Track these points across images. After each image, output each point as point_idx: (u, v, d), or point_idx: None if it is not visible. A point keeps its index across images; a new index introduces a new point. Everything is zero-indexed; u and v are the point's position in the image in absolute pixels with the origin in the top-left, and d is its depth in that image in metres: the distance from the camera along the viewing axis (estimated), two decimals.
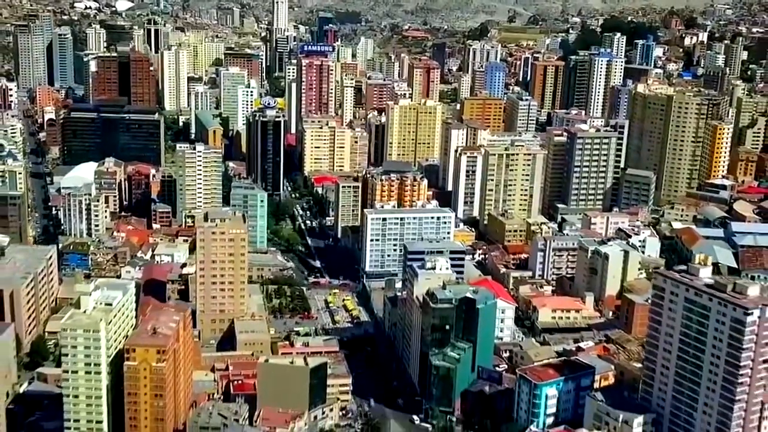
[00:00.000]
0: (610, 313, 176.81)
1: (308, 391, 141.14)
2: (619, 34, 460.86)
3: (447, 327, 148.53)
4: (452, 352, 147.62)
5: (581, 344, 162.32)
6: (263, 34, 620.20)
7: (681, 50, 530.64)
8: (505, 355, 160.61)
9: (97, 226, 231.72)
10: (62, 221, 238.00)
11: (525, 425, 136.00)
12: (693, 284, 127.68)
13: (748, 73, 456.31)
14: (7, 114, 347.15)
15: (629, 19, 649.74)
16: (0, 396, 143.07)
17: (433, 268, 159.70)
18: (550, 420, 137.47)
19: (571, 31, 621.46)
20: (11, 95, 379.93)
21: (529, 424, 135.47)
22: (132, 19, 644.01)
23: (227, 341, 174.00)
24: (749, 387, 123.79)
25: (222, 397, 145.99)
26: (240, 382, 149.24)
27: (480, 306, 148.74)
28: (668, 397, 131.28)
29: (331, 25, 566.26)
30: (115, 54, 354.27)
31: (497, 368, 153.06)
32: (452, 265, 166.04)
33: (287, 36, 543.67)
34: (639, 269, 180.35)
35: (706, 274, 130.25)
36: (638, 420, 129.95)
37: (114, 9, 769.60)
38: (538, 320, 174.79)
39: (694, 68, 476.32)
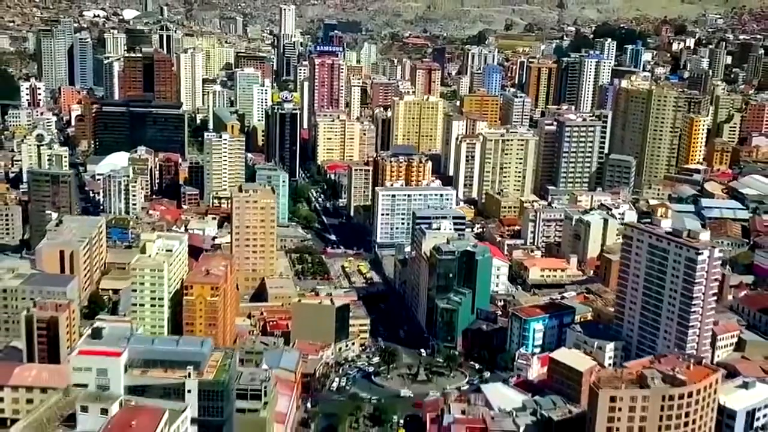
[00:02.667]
0: (591, 272, 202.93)
1: (334, 327, 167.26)
2: (609, 40, 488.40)
3: (450, 275, 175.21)
4: (455, 297, 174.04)
5: (565, 295, 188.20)
6: (270, 41, 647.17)
7: (669, 55, 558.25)
8: (500, 303, 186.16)
9: (134, 204, 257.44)
10: (101, 202, 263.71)
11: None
12: (655, 232, 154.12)
13: (732, 76, 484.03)
14: (38, 111, 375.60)
15: (620, 26, 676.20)
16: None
17: (438, 229, 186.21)
18: (537, 350, 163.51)
19: (565, 38, 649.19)
20: (39, 94, 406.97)
21: None
22: (145, 25, 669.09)
23: (258, 297, 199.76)
24: (701, 315, 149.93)
25: (260, 334, 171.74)
26: (274, 323, 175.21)
27: (478, 258, 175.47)
28: (635, 328, 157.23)
29: (336, 31, 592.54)
30: (139, 55, 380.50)
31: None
32: (454, 228, 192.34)
33: (294, 42, 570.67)
34: (617, 235, 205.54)
35: (666, 225, 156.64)
36: (610, 346, 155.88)
37: (121, 17, 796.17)
38: (528, 277, 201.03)
39: (680, 71, 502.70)
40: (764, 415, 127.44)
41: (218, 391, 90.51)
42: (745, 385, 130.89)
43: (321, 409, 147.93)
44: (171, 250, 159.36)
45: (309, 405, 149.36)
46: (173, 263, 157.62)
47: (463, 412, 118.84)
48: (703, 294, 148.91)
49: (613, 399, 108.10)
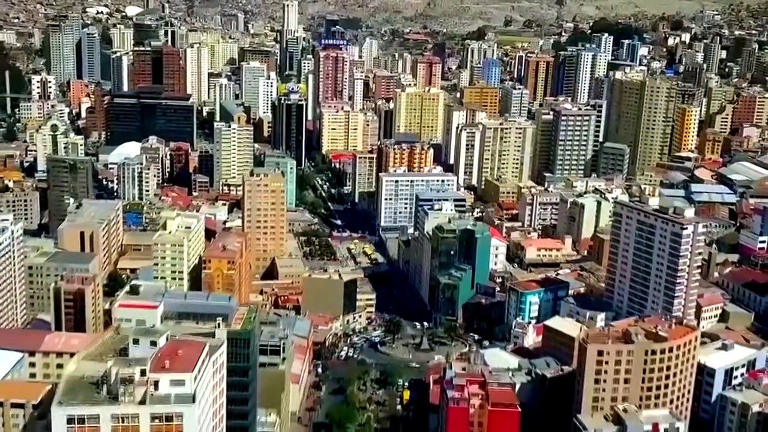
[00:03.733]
0: (585, 252, 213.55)
1: (342, 300, 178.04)
2: (606, 35, 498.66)
3: (451, 253, 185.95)
4: (456, 273, 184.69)
5: (560, 272, 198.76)
6: (273, 36, 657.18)
7: (665, 50, 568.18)
8: (499, 280, 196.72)
9: (147, 191, 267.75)
10: (115, 189, 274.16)
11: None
12: (643, 209, 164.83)
13: (726, 70, 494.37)
14: (48, 104, 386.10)
15: (618, 22, 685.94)
16: None
17: (440, 210, 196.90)
18: (533, 321, 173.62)
19: (563, 34, 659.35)
20: (50, 87, 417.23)
21: None
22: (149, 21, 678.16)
23: (269, 276, 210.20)
24: (686, 287, 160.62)
25: (273, 307, 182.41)
26: (285, 297, 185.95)
27: (478, 236, 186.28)
28: (625, 299, 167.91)
29: (338, 26, 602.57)
30: (149, 48, 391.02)
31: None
32: (455, 209, 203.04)
33: (297, 37, 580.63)
34: (610, 217, 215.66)
35: (653, 203, 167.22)
36: (601, 316, 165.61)
37: (124, 14, 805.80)
38: (525, 257, 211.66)
39: (676, 66, 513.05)
40: (741, 374, 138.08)
41: (244, 339, 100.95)
42: (724, 347, 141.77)
43: (331, 373, 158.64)
44: (190, 228, 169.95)
45: (320, 370, 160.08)
46: (192, 239, 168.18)
47: (463, 369, 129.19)
48: (688, 266, 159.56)
49: (600, 353, 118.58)
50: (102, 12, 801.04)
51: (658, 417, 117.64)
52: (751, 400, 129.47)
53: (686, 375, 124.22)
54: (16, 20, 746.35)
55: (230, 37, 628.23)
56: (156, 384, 74.18)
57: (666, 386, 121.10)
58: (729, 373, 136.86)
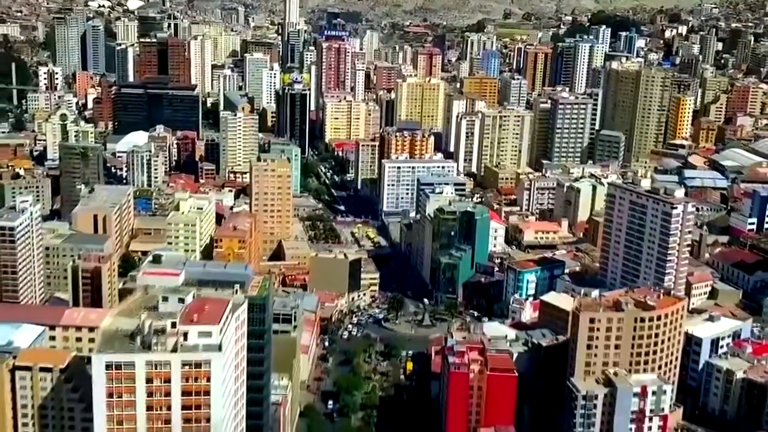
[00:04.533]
0: (581, 234, 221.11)
1: (347, 279, 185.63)
2: (604, 27, 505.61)
3: (452, 234, 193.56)
4: (456, 253, 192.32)
5: (556, 253, 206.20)
6: (275, 29, 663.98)
7: (662, 42, 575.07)
8: (497, 261, 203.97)
9: (155, 177, 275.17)
10: (124, 176, 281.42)
11: None
12: (635, 190, 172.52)
13: (722, 61, 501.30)
14: (55, 95, 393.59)
15: (616, 14, 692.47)
16: None
17: (441, 193, 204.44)
18: (530, 298, 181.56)
19: (562, 26, 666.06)
20: (57, 79, 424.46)
21: None
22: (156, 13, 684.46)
23: (275, 258, 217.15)
24: (676, 264, 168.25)
25: (281, 285, 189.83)
26: (293, 276, 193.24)
27: (477, 217, 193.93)
28: (618, 276, 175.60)
29: (339, 19, 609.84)
30: (155, 40, 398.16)
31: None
32: (455, 192, 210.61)
33: (299, 30, 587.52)
34: (605, 200, 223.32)
35: (645, 184, 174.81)
36: (595, 293, 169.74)
37: (126, 8, 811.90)
38: (523, 239, 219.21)
39: (672, 57, 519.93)
40: (727, 344, 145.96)
41: (260, 305, 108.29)
42: (711, 319, 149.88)
43: (337, 346, 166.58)
44: (201, 209, 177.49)
45: (327, 343, 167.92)
46: (204, 219, 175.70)
47: (463, 338, 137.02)
48: (678, 244, 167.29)
49: (592, 321, 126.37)
50: (104, 5, 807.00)
51: (647, 381, 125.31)
52: (736, 367, 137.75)
53: (674, 342, 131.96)
54: (19, 13, 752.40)
55: (232, 30, 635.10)
56: (185, 335, 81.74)
57: (654, 352, 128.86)
58: (715, 343, 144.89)
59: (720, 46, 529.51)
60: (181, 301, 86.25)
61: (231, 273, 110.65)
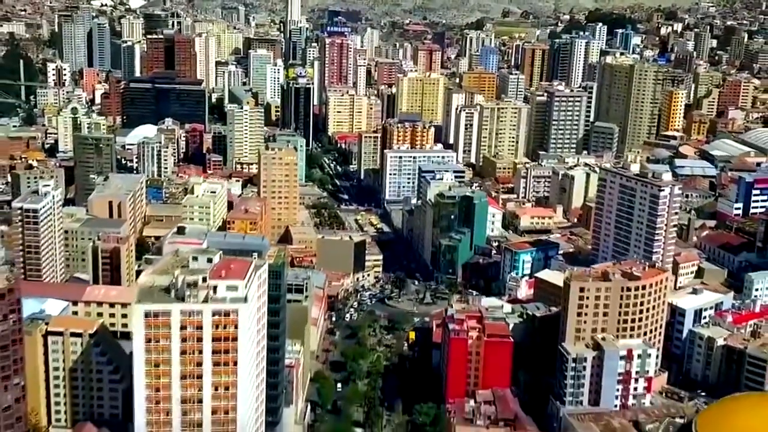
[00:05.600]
0: (575, 220, 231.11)
1: (353, 259, 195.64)
2: (600, 24, 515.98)
3: (452, 217, 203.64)
4: (456, 235, 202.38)
5: (551, 237, 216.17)
6: (277, 26, 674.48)
7: (657, 39, 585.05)
8: (495, 244, 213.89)
9: (165, 168, 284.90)
10: (135, 166, 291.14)
11: None
12: (625, 174, 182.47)
13: (716, 57, 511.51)
14: (64, 90, 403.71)
15: (613, 12, 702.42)
16: None
17: (441, 179, 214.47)
18: (525, 277, 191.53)
19: (560, 24, 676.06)
20: (65, 75, 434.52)
21: None
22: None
23: (282, 242, 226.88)
24: (663, 244, 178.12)
25: (289, 266, 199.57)
26: (300, 258, 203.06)
27: (476, 202, 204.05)
28: (609, 255, 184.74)
29: (340, 17, 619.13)
30: (161, 36, 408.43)
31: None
32: (455, 179, 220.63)
33: (301, 27, 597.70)
34: (597, 185, 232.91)
35: (635, 168, 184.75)
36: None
37: (128, 6, 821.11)
38: (520, 224, 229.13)
39: (668, 54, 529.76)
40: (709, 315, 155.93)
41: (277, 272, 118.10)
42: (694, 292, 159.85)
43: (343, 322, 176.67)
44: (215, 192, 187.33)
45: (334, 319, 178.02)
46: (217, 202, 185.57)
47: (463, 309, 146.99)
48: (665, 225, 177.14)
49: (582, 290, 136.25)
50: (106, 4, 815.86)
51: (633, 345, 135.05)
52: (717, 335, 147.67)
53: (658, 310, 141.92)
54: (22, 12, 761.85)
55: (234, 28, 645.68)
56: (215, 288, 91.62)
57: (640, 320, 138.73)
58: (698, 314, 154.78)
59: (714, 43, 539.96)
60: (210, 260, 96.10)
61: (249, 243, 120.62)
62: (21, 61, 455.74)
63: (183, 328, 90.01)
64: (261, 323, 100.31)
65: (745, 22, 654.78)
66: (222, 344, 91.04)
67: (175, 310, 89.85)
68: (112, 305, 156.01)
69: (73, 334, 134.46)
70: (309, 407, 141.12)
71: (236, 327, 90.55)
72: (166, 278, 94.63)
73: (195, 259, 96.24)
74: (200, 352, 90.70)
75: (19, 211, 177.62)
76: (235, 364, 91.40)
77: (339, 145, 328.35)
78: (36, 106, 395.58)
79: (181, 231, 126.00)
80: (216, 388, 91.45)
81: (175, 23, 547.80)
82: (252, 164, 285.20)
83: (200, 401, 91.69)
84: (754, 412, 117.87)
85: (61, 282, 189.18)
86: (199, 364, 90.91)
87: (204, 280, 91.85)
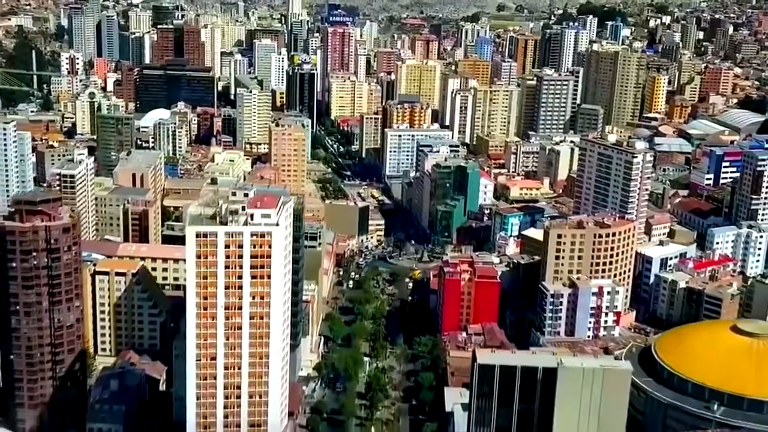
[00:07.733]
0: (561, 191, 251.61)
1: (357, 223, 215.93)
2: (591, 16, 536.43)
3: (447, 185, 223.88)
4: (451, 202, 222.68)
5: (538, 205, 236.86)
6: (279, 19, 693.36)
7: (646, 31, 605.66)
8: (487, 211, 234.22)
9: (180, 147, 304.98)
10: (151, 145, 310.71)
11: None
12: (603, 143, 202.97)
13: (702, 48, 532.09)
14: (77, 78, 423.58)
15: (604, 5, 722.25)
16: None
17: (438, 152, 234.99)
18: (513, 236, 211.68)
19: (553, 17, 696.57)
20: (78, 64, 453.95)
21: None
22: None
23: None
24: (637, 206, 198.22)
25: None
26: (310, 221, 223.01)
27: (469, 171, 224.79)
28: None
29: (340, 10, 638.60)
30: (171, 26, 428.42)
31: None
32: (450, 152, 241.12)
33: (302, 20, 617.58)
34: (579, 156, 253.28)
35: (612, 138, 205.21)
36: None
37: (130, 1, 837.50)
38: (510, 195, 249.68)
39: (656, 46, 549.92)
40: (674, 263, 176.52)
41: (297, 215, 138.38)
42: (661, 243, 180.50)
43: (349, 275, 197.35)
44: (233, 161, 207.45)
45: (341, 272, 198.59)
46: (236, 168, 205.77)
47: (456, 255, 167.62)
48: (638, 189, 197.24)
49: (559, 236, 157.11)
50: None
51: (603, 283, 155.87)
52: (680, 279, 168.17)
53: (626, 256, 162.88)
54: (27, 6, 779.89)
55: (237, 21, 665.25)
56: (252, 216, 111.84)
57: (610, 263, 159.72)
58: (665, 262, 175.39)
59: (701, 35, 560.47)
60: (246, 195, 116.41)
61: (274, 190, 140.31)
62: (33, 52, 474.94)
63: (227, 246, 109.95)
64: (287, 250, 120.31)
65: (732, 15, 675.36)
66: (258, 260, 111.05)
67: (220, 231, 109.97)
68: (143, 259, 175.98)
69: (117, 274, 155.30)
70: (322, 340, 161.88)
71: (270, 246, 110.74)
72: (210, 209, 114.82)
73: (234, 194, 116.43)
74: (240, 267, 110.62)
75: (57, 177, 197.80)
76: (269, 277, 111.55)
77: (342, 128, 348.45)
78: (50, 93, 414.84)
79: (213, 182, 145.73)
80: (253, 297, 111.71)
81: (180, 15, 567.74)
82: (260, 144, 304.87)
83: (240, 308, 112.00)
84: (705, 335, 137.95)
85: None
86: (240, 277, 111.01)
87: (243, 208, 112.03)
